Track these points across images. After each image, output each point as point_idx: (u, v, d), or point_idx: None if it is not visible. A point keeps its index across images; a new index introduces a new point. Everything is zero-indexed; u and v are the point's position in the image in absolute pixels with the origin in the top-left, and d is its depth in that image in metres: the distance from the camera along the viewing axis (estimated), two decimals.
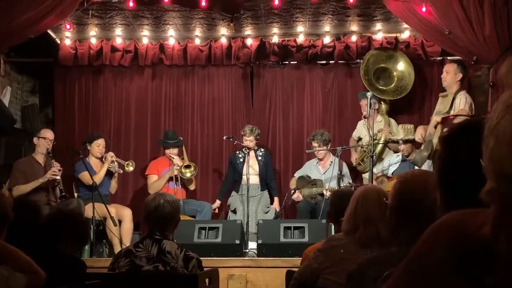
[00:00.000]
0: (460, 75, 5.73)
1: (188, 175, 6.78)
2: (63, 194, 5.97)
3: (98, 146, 6.63)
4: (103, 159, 6.60)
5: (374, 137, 6.41)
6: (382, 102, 6.87)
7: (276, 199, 6.93)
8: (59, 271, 2.80)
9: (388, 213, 2.01)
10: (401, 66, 6.99)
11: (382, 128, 6.60)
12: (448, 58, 6.74)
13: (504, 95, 0.91)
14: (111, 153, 6.62)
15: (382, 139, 6.50)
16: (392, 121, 6.81)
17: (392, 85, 6.94)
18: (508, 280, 0.86)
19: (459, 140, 1.30)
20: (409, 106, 7.19)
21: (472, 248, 0.91)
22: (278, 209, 6.74)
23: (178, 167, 6.73)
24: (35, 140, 6.27)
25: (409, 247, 1.66)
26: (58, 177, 6.04)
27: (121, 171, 6.69)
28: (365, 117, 6.64)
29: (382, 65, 7.01)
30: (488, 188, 0.87)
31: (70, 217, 3.22)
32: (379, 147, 6.58)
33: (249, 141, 6.78)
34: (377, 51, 7.06)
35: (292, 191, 6.56)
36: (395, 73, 6.99)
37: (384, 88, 6.91)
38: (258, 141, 6.98)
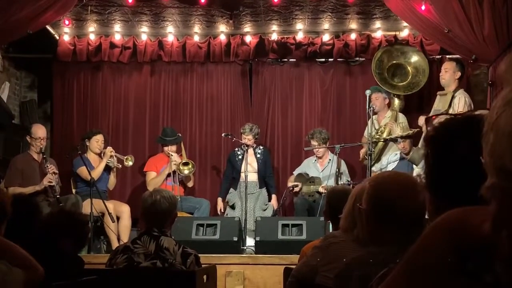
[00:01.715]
0: (459, 74, 5.73)
1: (186, 172, 6.77)
2: (61, 204, 5.83)
3: (97, 142, 6.62)
4: (102, 154, 6.59)
5: (379, 130, 6.42)
6: (395, 97, 6.82)
7: (274, 196, 6.92)
8: (57, 266, 2.79)
9: (364, 217, 2.00)
10: (416, 62, 6.96)
11: (388, 123, 6.57)
12: (447, 56, 6.74)
13: (504, 91, 0.90)
14: (109, 148, 6.61)
15: (385, 133, 6.48)
16: (401, 116, 6.72)
17: (406, 81, 6.91)
18: (509, 277, 0.85)
19: (448, 140, 1.30)
20: (407, 104, 7.17)
21: (473, 246, 0.90)
22: (276, 207, 6.74)
23: (176, 163, 6.72)
24: (28, 138, 6.24)
25: (396, 247, 1.66)
26: (54, 183, 5.97)
27: (120, 166, 6.69)
28: (375, 113, 6.57)
29: (397, 61, 6.97)
30: (489, 184, 0.86)
31: (72, 216, 3.21)
32: (380, 143, 6.56)
33: (247, 139, 6.77)
34: (391, 46, 7.03)
35: (291, 188, 6.58)
36: (409, 69, 6.96)
37: (395, 83, 6.87)
38: (257, 140, 6.97)
